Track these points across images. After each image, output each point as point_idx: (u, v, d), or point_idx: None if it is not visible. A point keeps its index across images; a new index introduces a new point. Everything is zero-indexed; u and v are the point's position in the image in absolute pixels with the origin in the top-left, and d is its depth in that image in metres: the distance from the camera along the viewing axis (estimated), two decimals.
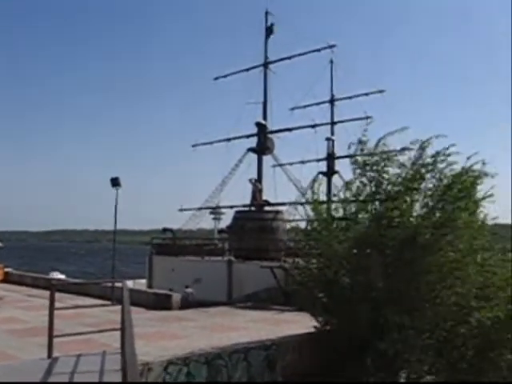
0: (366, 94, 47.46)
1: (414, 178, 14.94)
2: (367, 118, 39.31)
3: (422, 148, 15.16)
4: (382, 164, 15.34)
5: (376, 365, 14.28)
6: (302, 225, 19.30)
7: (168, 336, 15.14)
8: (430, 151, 15.19)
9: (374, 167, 15.38)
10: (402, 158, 15.44)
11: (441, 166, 14.96)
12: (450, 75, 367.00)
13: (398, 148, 15.63)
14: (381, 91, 47.23)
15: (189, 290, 24.83)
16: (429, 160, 15.02)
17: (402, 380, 15.41)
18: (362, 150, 15.88)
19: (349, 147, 16.32)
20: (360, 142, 15.98)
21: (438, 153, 14.91)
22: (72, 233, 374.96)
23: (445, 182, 14.89)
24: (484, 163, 15.27)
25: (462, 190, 14.61)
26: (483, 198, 15.61)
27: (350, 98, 49.11)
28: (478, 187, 15.55)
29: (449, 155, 14.85)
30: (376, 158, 15.42)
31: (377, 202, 15.33)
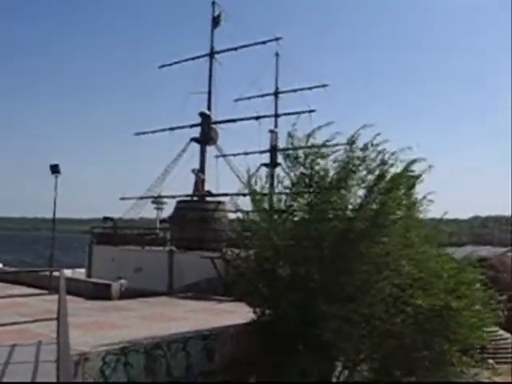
0: (310, 89, 47.96)
1: (346, 170, 15.27)
2: (310, 111, 39.81)
3: (353, 140, 15.50)
4: (313, 157, 15.61)
5: (313, 354, 14.62)
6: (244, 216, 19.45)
7: (107, 326, 15.06)
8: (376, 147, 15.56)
9: (306, 160, 15.65)
10: (334, 151, 15.77)
11: (371, 156, 15.37)
12: (392, 68, 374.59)
13: (334, 141, 15.91)
14: (324, 85, 47.78)
15: (122, 280, 24.41)
16: (359, 152, 15.38)
17: (339, 368, 15.87)
18: (292, 143, 16.10)
19: (290, 134, 16.47)
20: (290, 135, 16.19)
21: (367, 144, 15.29)
22: (9, 220, 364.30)
23: (376, 172, 15.28)
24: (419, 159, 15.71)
25: (392, 180, 15.04)
26: (423, 198, 16.14)
27: (294, 91, 49.54)
28: (421, 187, 16.06)
29: (377, 145, 15.26)
30: (307, 151, 15.69)
31: (311, 195, 15.60)
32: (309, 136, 15.90)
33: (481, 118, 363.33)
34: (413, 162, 15.62)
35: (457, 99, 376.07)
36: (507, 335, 29.49)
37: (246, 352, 15.14)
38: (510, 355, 27.51)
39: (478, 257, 18.50)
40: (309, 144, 15.87)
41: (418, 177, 15.83)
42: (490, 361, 25.09)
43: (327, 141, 15.68)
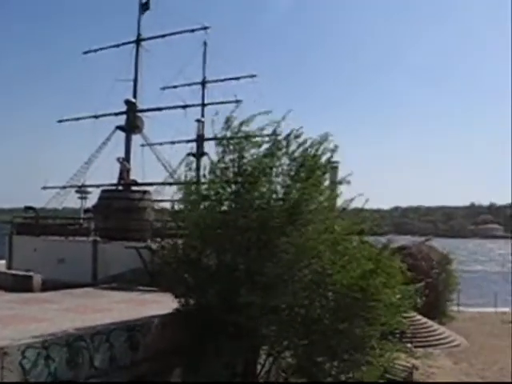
0: (237, 79, 48.03)
1: (269, 159, 15.50)
2: (237, 101, 39.91)
3: (276, 131, 15.75)
4: (243, 145, 15.76)
5: (238, 342, 14.79)
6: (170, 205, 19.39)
7: (27, 319, 14.68)
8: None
9: (236, 147, 15.78)
10: (262, 140, 15.97)
11: (292, 147, 15.67)
12: (324, 59, 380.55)
13: (263, 131, 16.10)
14: (252, 76, 47.95)
15: (31, 273, 23.49)
16: (282, 142, 15.65)
17: (264, 356, 16.14)
18: (228, 128, 16.16)
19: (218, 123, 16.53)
20: (227, 121, 16.25)
21: (289, 134, 15.57)
22: None
23: (298, 162, 15.60)
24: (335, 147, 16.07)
25: (313, 169, 15.40)
26: (340, 182, 16.53)
27: (222, 80, 49.50)
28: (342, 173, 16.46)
29: (298, 136, 15.57)
30: (237, 139, 15.83)
31: (239, 184, 15.75)
32: (241, 124, 16.00)
33: (399, 110, 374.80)
34: (333, 150, 15.97)
35: (383, 90, 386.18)
36: (424, 320, 30.80)
37: (170, 342, 15.14)
38: (426, 339, 28.75)
39: (398, 245, 19.17)
40: (240, 133, 15.98)
41: (335, 163, 16.23)
42: (409, 345, 26.14)
43: (262, 129, 15.87)
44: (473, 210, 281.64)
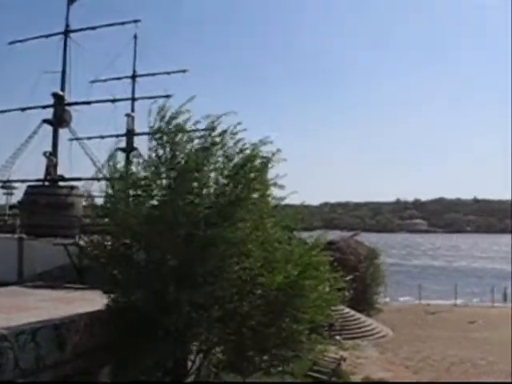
0: (168, 73, 47.60)
1: (203, 154, 15.45)
2: (167, 96, 39.52)
3: (212, 127, 15.72)
4: (176, 139, 15.65)
5: (168, 340, 14.73)
6: (99, 201, 19.02)
7: None
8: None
9: (169, 140, 15.65)
10: (197, 136, 15.90)
11: (229, 144, 15.69)
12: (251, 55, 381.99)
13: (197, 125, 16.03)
14: (183, 71, 47.64)
15: None
16: (217, 138, 15.63)
17: (194, 353, 16.14)
18: (161, 119, 15.97)
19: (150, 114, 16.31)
20: (160, 111, 16.05)
21: (225, 131, 15.59)
22: None
23: (235, 160, 15.62)
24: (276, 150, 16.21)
25: (253, 171, 15.47)
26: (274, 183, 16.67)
27: (152, 74, 48.93)
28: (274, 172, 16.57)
29: (236, 133, 15.62)
30: (171, 133, 15.69)
31: (171, 178, 15.64)
32: (173, 118, 15.84)
33: (329, 106, 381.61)
34: (273, 154, 16.08)
35: (315, 85, 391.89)
36: (353, 313, 31.61)
37: (100, 340, 14.89)
38: (354, 331, 29.53)
39: (326, 240, 19.53)
40: (173, 126, 15.83)
41: (268, 160, 16.30)
42: (338, 337, 26.81)
43: (196, 123, 15.78)
44: (399, 206, 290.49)
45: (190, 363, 16.21)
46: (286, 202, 17.35)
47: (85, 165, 39.17)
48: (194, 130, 15.94)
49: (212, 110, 16.04)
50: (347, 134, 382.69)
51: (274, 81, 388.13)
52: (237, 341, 15.38)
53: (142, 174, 16.28)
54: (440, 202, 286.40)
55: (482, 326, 34.31)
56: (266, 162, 16.11)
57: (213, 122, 15.65)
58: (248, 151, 15.72)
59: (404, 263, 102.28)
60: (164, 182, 15.82)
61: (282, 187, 16.33)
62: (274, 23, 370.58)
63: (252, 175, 15.44)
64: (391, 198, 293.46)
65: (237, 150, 15.69)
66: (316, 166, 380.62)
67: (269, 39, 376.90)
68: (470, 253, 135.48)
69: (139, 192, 16.19)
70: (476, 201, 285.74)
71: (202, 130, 15.98)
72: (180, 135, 15.68)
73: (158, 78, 48.44)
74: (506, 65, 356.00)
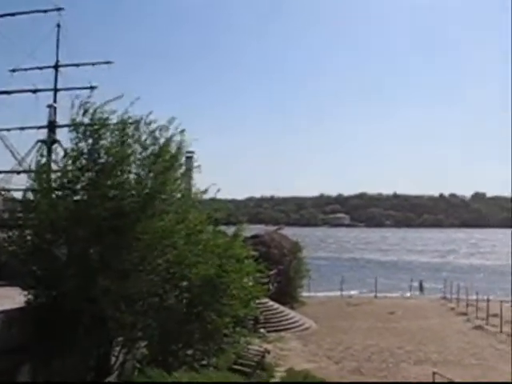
0: (93, 64, 46.40)
1: (121, 147, 15.30)
2: (91, 87, 38.59)
3: (125, 120, 15.59)
4: (98, 132, 15.41)
5: (91, 335, 14.49)
6: (18, 194, 18.44)
7: None
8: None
9: (91, 133, 15.40)
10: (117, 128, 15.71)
11: (144, 136, 15.61)
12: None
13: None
14: (108, 62, 46.54)
15: None
16: (132, 129, 15.51)
17: (118, 348, 15.93)
18: (84, 113, 15.67)
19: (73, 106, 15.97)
20: (82, 105, 15.75)
21: (138, 121, 15.49)
22: None
23: (150, 150, 15.55)
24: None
25: (169, 160, 15.44)
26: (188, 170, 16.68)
27: (77, 65, 47.52)
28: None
29: (150, 123, 15.54)
30: (94, 126, 15.45)
31: (94, 172, 15.39)
32: (94, 111, 15.56)
33: (253, 100, 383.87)
34: (181, 133, 16.02)
35: (237, 79, 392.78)
36: (277, 306, 32.01)
37: (19, 338, 14.43)
38: (279, 324, 29.93)
39: (251, 234, 19.76)
40: (95, 119, 15.57)
41: (191, 153, 16.33)
42: (262, 330, 27.14)
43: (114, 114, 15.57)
44: (322, 200, 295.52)
45: (113, 358, 16.01)
46: (212, 196, 17.44)
47: (4, 157, 37.75)
48: (115, 123, 15.74)
49: (138, 102, 15.93)
50: (272, 129, 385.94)
51: (198, 77, 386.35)
52: (161, 335, 15.33)
53: (65, 167, 15.93)
54: (362, 196, 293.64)
55: (400, 317, 35.54)
56: (181, 149, 16.08)
57: (128, 114, 15.57)
58: (160, 136, 15.72)
59: (329, 256, 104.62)
60: (87, 175, 15.54)
61: (199, 170, 16.42)
62: (199, 18, 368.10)
63: (168, 164, 15.43)
64: (315, 193, 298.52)
65: (151, 138, 15.65)
66: (241, 161, 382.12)
67: (197, 33, 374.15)
68: (399, 247, 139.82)
69: (62, 185, 15.83)
70: (396, 196, 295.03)
71: (120, 123, 15.81)
72: (101, 128, 15.46)
73: (83, 69, 47.08)
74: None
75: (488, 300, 34.18)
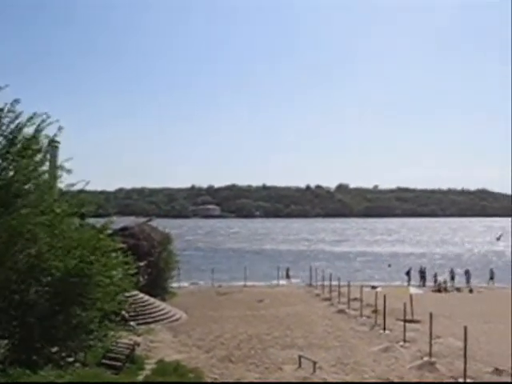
0: None
1: None
2: None
3: None
4: None
5: None
6: None
7: None
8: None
9: None
10: None
11: (5, 121, 14.92)
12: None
13: None
14: None
15: None
16: None
17: None
18: None
19: None
20: None
21: (1, 109, 14.81)
22: None
23: (13, 141, 14.88)
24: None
25: (26, 147, 14.82)
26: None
27: None
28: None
29: (13, 111, 14.90)
30: None
31: None
32: None
33: (133, 92, 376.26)
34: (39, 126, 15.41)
35: (121, 65, 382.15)
36: (147, 298, 31.73)
37: None
38: (149, 316, 29.70)
39: (121, 226, 19.46)
40: None
41: (56, 142, 15.75)
42: (132, 323, 26.79)
43: None
44: (193, 192, 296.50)
45: None
46: (79, 188, 16.98)
47: None
48: None
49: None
50: (144, 121, 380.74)
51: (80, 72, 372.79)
52: (23, 332, 14.71)
53: None
54: (232, 188, 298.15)
55: (268, 304, 36.58)
56: (38, 134, 15.49)
57: None
58: (23, 125, 15.07)
59: (203, 247, 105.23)
60: None
61: (69, 172, 15.93)
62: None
63: (35, 159, 14.84)
64: (186, 184, 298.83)
65: (13, 127, 14.94)
66: (110, 152, 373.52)
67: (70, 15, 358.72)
68: (268, 237, 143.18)
69: None
70: (265, 188, 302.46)
71: None
72: None
73: None
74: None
75: (349, 285, 36.14)
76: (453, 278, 52.21)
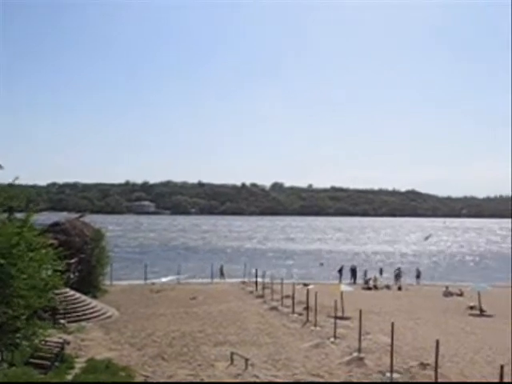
0: None
1: None
2: None
3: None
4: None
5: None
6: None
7: None
8: None
9: None
10: None
11: None
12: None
13: None
14: None
15: None
16: None
17: None
18: None
19: None
20: None
21: None
22: None
23: None
24: None
25: None
26: None
27: None
28: None
29: None
30: None
31: None
32: None
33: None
34: None
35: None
36: (78, 295, 31.12)
37: None
38: (80, 314, 29.16)
39: (51, 222, 19.04)
40: None
41: None
42: (62, 321, 26.26)
43: None
44: (128, 188, 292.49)
45: None
46: (9, 181, 16.58)
47: None
48: None
49: None
50: (80, 114, 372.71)
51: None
52: None
53: None
54: (167, 184, 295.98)
55: (202, 302, 36.55)
56: None
57: None
58: None
59: (141, 244, 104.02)
60: None
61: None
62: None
63: None
64: (120, 180, 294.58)
65: None
66: (47, 145, 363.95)
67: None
68: (208, 234, 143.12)
69: None
70: (201, 184, 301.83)
71: None
72: None
73: None
74: None
75: (282, 283, 36.59)
76: (381, 273, 55.89)
